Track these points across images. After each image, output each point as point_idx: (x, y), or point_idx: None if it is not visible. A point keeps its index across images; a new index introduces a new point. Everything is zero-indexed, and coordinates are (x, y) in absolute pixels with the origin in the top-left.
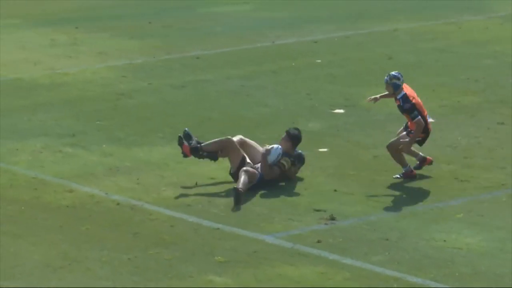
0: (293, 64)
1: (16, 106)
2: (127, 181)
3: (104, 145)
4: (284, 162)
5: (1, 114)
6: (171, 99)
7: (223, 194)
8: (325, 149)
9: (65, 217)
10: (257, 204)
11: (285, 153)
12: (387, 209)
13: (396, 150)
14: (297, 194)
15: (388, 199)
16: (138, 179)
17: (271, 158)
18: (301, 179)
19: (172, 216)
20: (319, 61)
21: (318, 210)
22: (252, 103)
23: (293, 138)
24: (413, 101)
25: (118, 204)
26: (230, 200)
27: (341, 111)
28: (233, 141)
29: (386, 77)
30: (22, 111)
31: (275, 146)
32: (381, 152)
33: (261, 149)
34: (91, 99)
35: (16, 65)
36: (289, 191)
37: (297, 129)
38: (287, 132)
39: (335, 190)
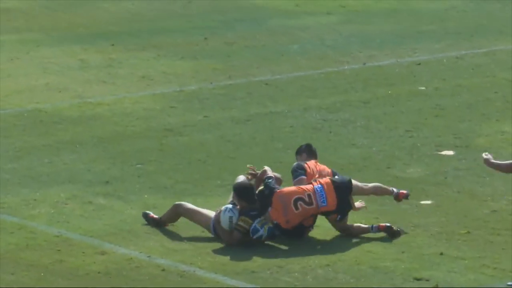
0: (390, 92)
1: (35, 144)
2: (176, 240)
3: (146, 195)
4: (242, 224)
5: (17, 155)
6: (232, 137)
7: (297, 256)
8: (429, 202)
9: (96, 286)
10: (341, 270)
11: (243, 211)
12: (507, 278)
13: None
14: (393, 259)
15: (508, 266)
16: (189, 238)
17: (224, 223)
18: (397, 240)
19: (232, 286)
20: (423, 88)
21: (419, 279)
22: (337, 143)
23: (238, 191)
24: None
25: (163, 270)
26: (307, 265)
27: (451, 152)
28: (181, 204)
29: None
30: (42, 151)
31: (223, 208)
32: (501, 205)
33: (211, 214)
34: (131, 136)
35: (36, 93)
36: (383, 255)
37: (242, 183)
38: (233, 187)
39: (441, 254)
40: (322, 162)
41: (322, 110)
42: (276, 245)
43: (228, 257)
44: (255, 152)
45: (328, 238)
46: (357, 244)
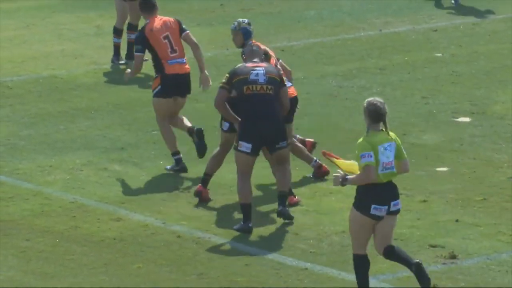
0: (406, 59)
1: (50, 111)
2: (191, 207)
3: (161, 162)
4: None
5: (33, 122)
6: None
7: (313, 224)
8: (445, 169)
9: (110, 252)
10: None
11: None
12: None
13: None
14: (408, 226)
15: None
16: (204, 205)
17: None
18: (411, 207)
19: (247, 252)
20: (439, 55)
21: (434, 246)
22: (352, 109)
23: None
24: None
25: (178, 236)
26: (322, 232)
27: (467, 119)
28: None
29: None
30: (58, 117)
31: None
32: None
33: None
34: (146, 103)
35: (51, 59)
36: (398, 221)
37: None
38: None
39: (457, 221)
40: (338, 129)
41: (338, 77)
42: (291, 211)
43: None
44: None
45: (344, 205)
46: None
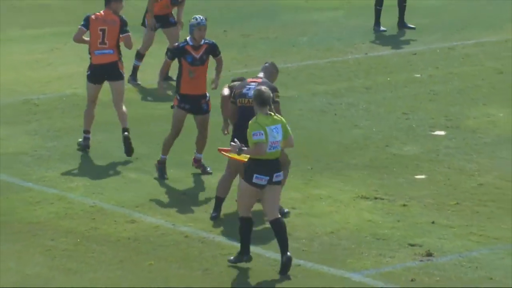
0: (389, 79)
1: (72, 125)
2: (197, 210)
3: (171, 170)
4: None
5: (57, 135)
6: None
7: (305, 225)
8: (423, 176)
9: (126, 251)
10: (343, 237)
11: None
12: (491, 244)
13: None
14: (389, 227)
15: (493, 233)
16: (209, 209)
17: None
18: (392, 210)
19: None
20: (418, 75)
21: (413, 245)
22: (341, 124)
23: None
24: None
25: (186, 236)
26: (314, 233)
27: (442, 133)
28: None
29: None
30: (79, 131)
31: None
32: (487, 179)
33: None
34: (158, 118)
35: (73, 79)
36: (381, 223)
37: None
38: None
39: (433, 222)
40: (328, 141)
41: (328, 95)
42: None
43: None
44: None
45: (333, 209)
46: (358, 214)
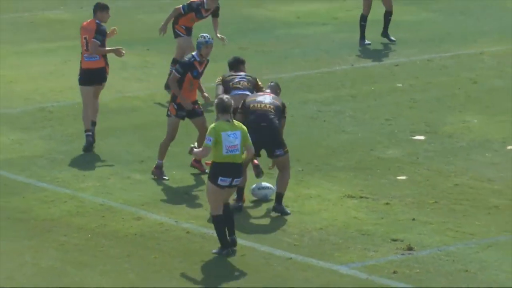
0: (373, 88)
1: (83, 130)
2: (198, 208)
3: (174, 172)
4: None
5: (69, 139)
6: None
7: (296, 222)
8: (404, 177)
9: (132, 245)
10: (332, 233)
11: None
12: (467, 239)
13: None
14: (374, 224)
15: (468, 229)
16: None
17: None
18: (376, 208)
19: (244, 245)
20: (400, 85)
21: (395, 240)
22: (329, 129)
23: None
24: None
25: (188, 232)
26: (304, 229)
27: (422, 137)
28: None
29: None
30: None
31: None
32: (462, 180)
33: None
34: (162, 124)
35: None
36: (366, 220)
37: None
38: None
39: (413, 219)
40: (318, 145)
41: (318, 103)
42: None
43: (241, 221)
44: None
45: (322, 207)
46: (345, 211)
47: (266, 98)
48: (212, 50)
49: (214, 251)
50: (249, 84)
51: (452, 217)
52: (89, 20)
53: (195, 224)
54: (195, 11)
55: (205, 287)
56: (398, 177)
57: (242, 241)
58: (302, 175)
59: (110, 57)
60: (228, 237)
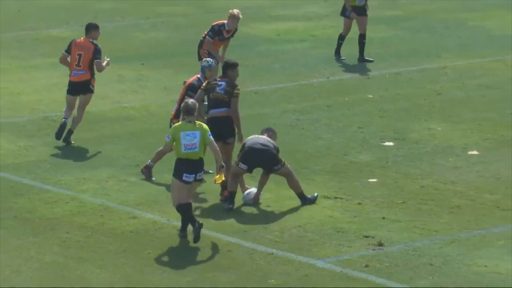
0: (346, 99)
1: (85, 138)
2: None
3: (166, 175)
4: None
5: (72, 146)
6: None
7: (277, 220)
8: (375, 180)
9: (128, 242)
10: (309, 230)
11: None
12: (432, 236)
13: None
14: (348, 222)
15: (433, 227)
16: (198, 206)
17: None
18: (349, 208)
19: (229, 241)
20: (371, 96)
21: (366, 237)
22: (307, 136)
23: None
24: None
25: (178, 230)
26: (284, 226)
27: (391, 144)
28: None
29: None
30: (90, 143)
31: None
32: (427, 182)
33: None
34: (156, 132)
35: None
36: (340, 219)
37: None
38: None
39: (384, 218)
40: (297, 151)
41: (296, 112)
42: (260, 211)
43: (227, 220)
44: None
45: (300, 206)
46: (322, 211)
47: (261, 139)
48: (215, 72)
49: (179, 233)
50: (225, 96)
51: (419, 215)
52: (82, 38)
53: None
54: (218, 33)
55: (193, 279)
56: (370, 180)
57: (228, 237)
58: (282, 178)
59: (109, 71)
60: (180, 232)
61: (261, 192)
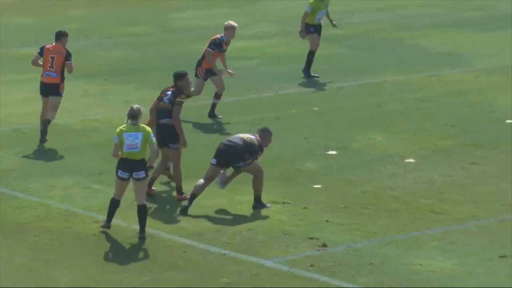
0: (294, 111)
1: (52, 148)
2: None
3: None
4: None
5: (39, 156)
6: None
7: (230, 223)
8: (319, 186)
9: (92, 244)
10: (259, 233)
11: None
12: (371, 237)
13: None
14: (294, 225)
15: (372, 229)
16: (155, 211)
17: None
18: (296, 212)
19: (185, 243)
20: (316, 109)
21: (312, 238)
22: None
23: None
24: None
25: (138, 233)
26: (236, 229)
27: (334, 152)
28: None
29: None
30: (57, 152)
31: None
32: (367, 188)
33: None
34: None
35: None
36: (287, 222)
37: None
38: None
39: (327, 221)
40: None
41: (248, 124)
42: (213, 215)
43: (183, 223)
44: (201, 152)
45: (252, 211)
46: (271, 214)
47: (237, 136)
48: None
49: (102, 224)
50: (169, 105)
51: (359, 219)
52: (53, 44)
53: None
54: (219, 46)
55: (151, 278)
56: (315, 186)
57: (184, 239)
58: (234, 184)
59: (75, 87)
60: (139, 234)
61: (231, 181)
